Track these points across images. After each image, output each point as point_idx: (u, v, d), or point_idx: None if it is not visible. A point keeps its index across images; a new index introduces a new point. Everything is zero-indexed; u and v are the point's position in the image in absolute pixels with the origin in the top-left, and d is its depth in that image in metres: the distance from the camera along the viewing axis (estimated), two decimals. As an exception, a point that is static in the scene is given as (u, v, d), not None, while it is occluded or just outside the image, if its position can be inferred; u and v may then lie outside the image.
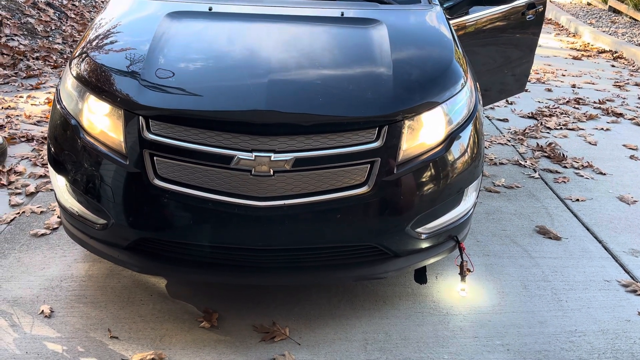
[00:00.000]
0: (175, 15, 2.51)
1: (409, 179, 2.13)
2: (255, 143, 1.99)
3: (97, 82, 2.19)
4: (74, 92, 2.26)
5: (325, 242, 2.14)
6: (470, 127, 2.32)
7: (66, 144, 2.22)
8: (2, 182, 3.37)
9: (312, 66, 2.27)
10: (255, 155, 1.98)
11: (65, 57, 6.29)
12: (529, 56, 4.32)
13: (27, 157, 3.75)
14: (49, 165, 2.36)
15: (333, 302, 2.47)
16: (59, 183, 2.30)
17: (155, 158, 2.04)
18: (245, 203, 2.02)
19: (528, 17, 4.09)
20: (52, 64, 5.97)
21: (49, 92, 5.11)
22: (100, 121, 2.14)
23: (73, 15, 7.58)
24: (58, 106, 2.30)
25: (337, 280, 2.40)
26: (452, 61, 2.43)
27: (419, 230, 2.22)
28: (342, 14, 2.67)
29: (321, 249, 2.17)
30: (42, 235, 2.87)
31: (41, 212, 3.08)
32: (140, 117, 2.04)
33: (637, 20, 10.19)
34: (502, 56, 4.14)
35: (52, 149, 2.29)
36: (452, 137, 2.24)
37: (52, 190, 3.33)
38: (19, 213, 3.06)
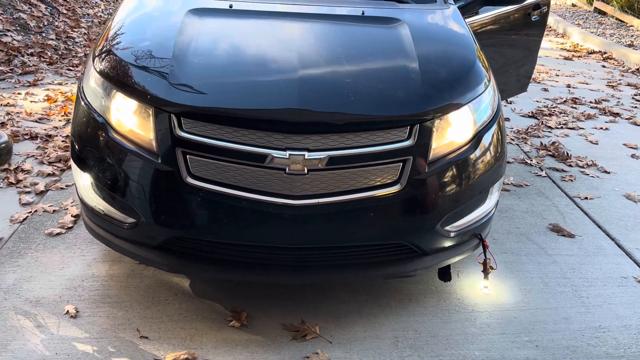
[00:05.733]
0: (197, 12, 2.49)
1: (440, 178, 2.14)
2: (289, 141, 1.98)
3: (124, 79, 2.15)
4: (99, 89, 2.22)
5: (357, 240, 2.14)
6: (494, 127, 2.34)
7: (92, 142, 2.17)
8: (10, 180, 3.30)
9: (340, 64, 2.26)
10: (290, 154, 1.97)
11: (60, 53, 6.19)
12: (532, 56, 4.37)
13: (33, 155, 3.68)
14: (72, 163, 2.32)
15: (359, 301, 2.47)
16: (83, 181, 2.26)
17: (188, 156, 2.02)
18: (279, 201, 2.01)
19: (533, 17, 4.13)
20: (47, 60, 5.87)
21: (48, 89, 5.02)
22: (129, 119, 2.11)
23: (65, 11, 7.46)
24: (82, 103, 2.26)
25: (368, 278, 2.39)
26: (475, 61, 2.45)
27: (448, 228, 2.24)
28: (363, 13, 2.68)
29: (353, 247, 2.17)
30: (58, 234, 2.81)
31: (53, 210, 3.02)
32: (171, 114, 2.02)
33: (624, 22, 10.37)
34: (507, 56, 4.17)
35: (77, 146, 2.24)
36: (479, 136, 2.25)
37: (62, 189, 3.28)
38: (30, 212, 3.00)
